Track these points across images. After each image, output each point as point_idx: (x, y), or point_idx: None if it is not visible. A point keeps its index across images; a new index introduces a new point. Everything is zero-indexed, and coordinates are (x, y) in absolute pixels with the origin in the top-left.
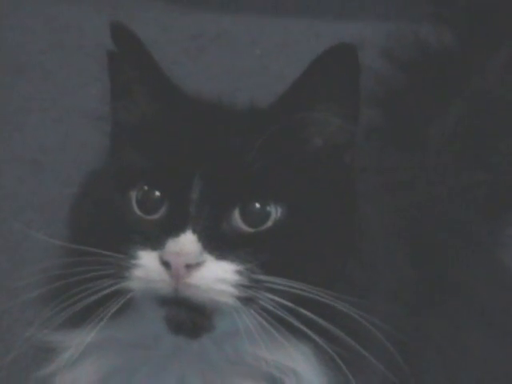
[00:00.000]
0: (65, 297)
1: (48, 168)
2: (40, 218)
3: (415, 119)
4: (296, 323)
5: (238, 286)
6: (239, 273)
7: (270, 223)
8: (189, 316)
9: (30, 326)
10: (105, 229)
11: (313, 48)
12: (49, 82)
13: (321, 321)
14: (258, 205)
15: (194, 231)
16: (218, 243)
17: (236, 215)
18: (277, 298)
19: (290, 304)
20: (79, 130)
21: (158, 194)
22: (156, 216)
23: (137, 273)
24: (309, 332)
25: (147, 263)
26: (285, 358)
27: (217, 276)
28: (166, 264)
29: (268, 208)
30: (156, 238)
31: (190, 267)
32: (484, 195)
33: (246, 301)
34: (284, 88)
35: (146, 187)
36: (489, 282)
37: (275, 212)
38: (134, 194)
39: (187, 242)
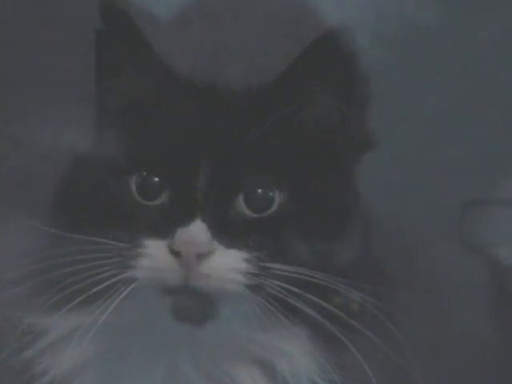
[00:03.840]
0: (64, 285)
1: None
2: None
3: None
4: (301, 307)
5: (246, 274)
6: (248, 261)
7: (274, 208)
8: (196, 304)
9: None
10: (100, 215)
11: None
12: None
13: (323, 303)
14: (260, 190)
15: (204, 219)
16: (227, 231)
17: (241, 202)
18: (283, 284)
19: (296, 290)
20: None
21: (157, 179)
22: (157, 202)
23: (144, 262)
24: (314, 315)
25: (155, 252)
26: (280, 341)
27: (227, 265)
28: (175, 253)
29: (271, 193)
30: (163, 227)
31: (200, 256)
32: None
33: (254, 288)
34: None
35: (144, 173)
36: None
37: (278, 197)
38: (132, 180)
39: (198, 231)
